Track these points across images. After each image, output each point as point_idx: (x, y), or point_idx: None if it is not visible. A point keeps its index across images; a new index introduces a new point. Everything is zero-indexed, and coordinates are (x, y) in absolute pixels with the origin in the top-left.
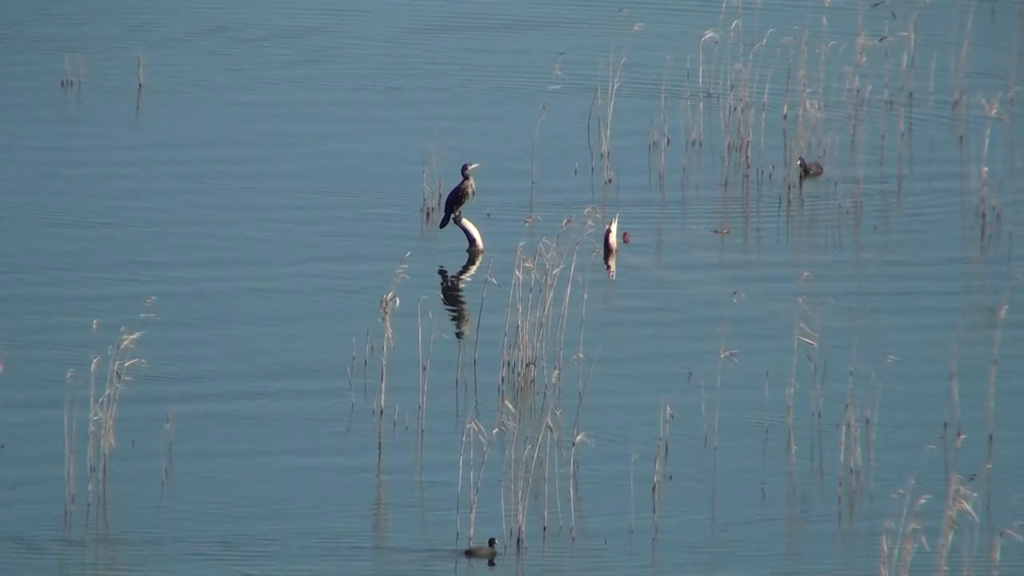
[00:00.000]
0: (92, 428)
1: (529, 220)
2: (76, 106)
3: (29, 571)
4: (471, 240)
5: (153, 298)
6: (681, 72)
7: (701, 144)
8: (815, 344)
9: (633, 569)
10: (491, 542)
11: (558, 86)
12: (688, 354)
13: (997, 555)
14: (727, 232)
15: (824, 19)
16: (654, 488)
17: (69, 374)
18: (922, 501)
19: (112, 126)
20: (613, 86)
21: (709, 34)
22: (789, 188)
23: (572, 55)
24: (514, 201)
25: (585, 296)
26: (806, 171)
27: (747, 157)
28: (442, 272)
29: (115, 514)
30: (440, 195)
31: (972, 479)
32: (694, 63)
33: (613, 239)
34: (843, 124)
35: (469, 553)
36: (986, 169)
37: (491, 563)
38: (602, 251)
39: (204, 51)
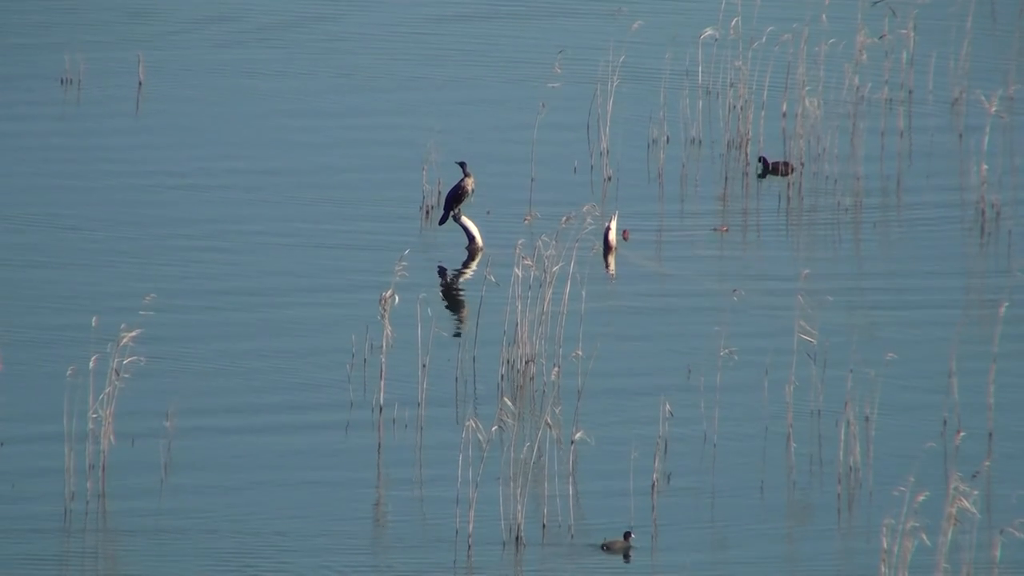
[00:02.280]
0: (91, 425)
1: (528, 217)
2: (76, 104)
3: (29, 567)
4: (470, 238)
5: (152, 295)
6: (681, 69)
7: (701, 141)
8: (814, 341)
9: (632, 566)
10: (627, 535)
11: (558, 84)
12: (687, 351)
13: (997, 552)
14: (726, 229)
15: (824, 17)
16: (653, 485)
17: (69, 371)
18: (922, 498)
19: (112, 124)
20: (612, 84)
21: (708, 31)
22: (789, 185)
23: (571, 53)
24: (514, 198)
25: (584, 293)
26: (773, 170)
27: (746, 155)
28: (441, 270)
29: (114, 510)
30: (439, 192)
31: (972, 477)
32: (693, 60)
33: (612, 236)
34: (843, 122)
35: (605, 547)
36: (985, 167)
37: (626, 557)
38: (601, 248)
39: (204, 45)
